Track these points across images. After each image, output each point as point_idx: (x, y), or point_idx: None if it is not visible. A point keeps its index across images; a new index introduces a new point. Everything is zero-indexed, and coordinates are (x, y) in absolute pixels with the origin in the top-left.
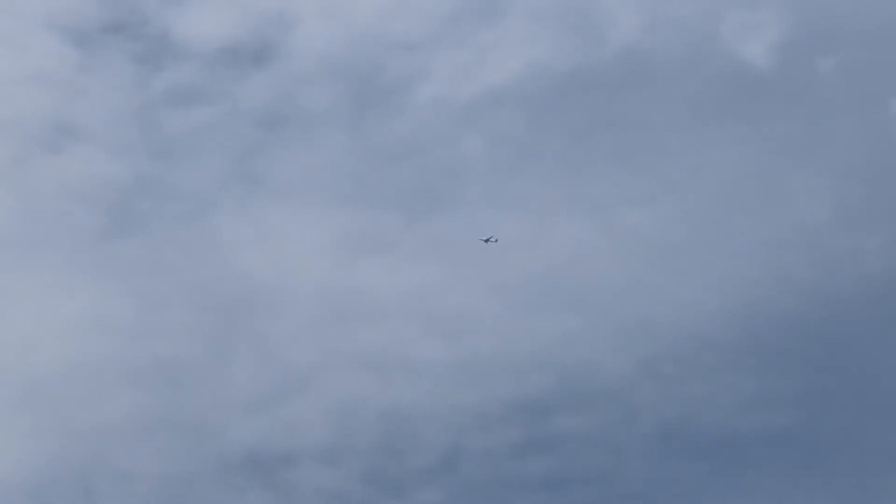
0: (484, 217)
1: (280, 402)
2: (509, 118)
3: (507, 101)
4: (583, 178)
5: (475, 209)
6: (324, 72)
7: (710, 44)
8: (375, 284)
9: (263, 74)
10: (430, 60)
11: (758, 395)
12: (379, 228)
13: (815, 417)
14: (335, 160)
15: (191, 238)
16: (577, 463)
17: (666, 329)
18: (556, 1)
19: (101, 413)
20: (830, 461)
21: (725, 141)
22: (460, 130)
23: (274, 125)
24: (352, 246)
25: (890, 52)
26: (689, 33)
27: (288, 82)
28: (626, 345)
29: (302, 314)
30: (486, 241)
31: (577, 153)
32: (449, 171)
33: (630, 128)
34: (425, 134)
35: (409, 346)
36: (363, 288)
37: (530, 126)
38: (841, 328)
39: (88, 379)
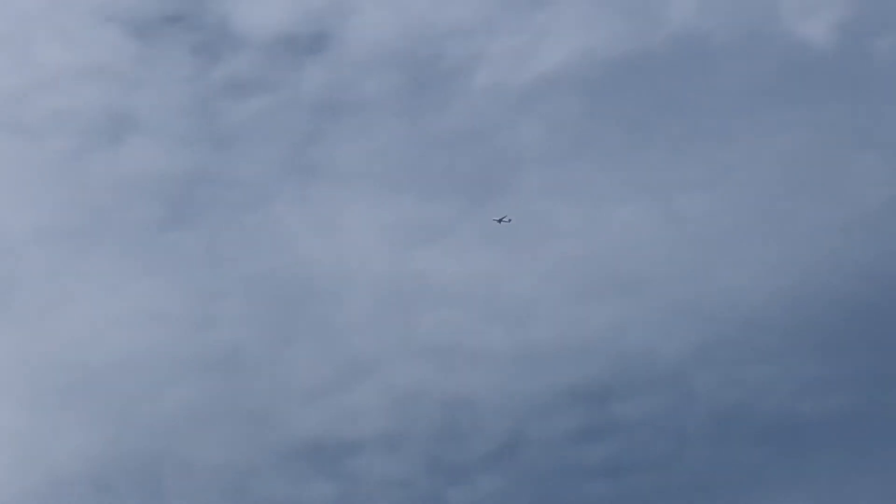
0: (541, 203)
1: (341, 390)
2: (565, 103)
3: (564, 87)
4: (639, 163)
5: (532, 195)
6: (380, 59)
7: (768, 24)
8: (434, 272)
9: (320, 63)
10: (485, 46)
11: (817, 378)
12: (437, 215)
13: (875, 400)
14: (392, 147)
15: (250, 228)
16: (637, 449)
17: (724, 313)
18: None
19: (163, 404)
20: (891, 444)
21: (784, 123)
22: (517, 116)
23: (331, 113)
24: (410, 233)
25: None
26: (747, 13)
27: (345, 70)
28: (684, 329)
29: (362, 302)
30: (500, 220)
31: (633, 138)
32: (506, 157)
33: (687, 111)
34: (482, 120)
35: (470, 333)
36: (422, 275)
37: (587, 111)
38: None
39: (150, 370)
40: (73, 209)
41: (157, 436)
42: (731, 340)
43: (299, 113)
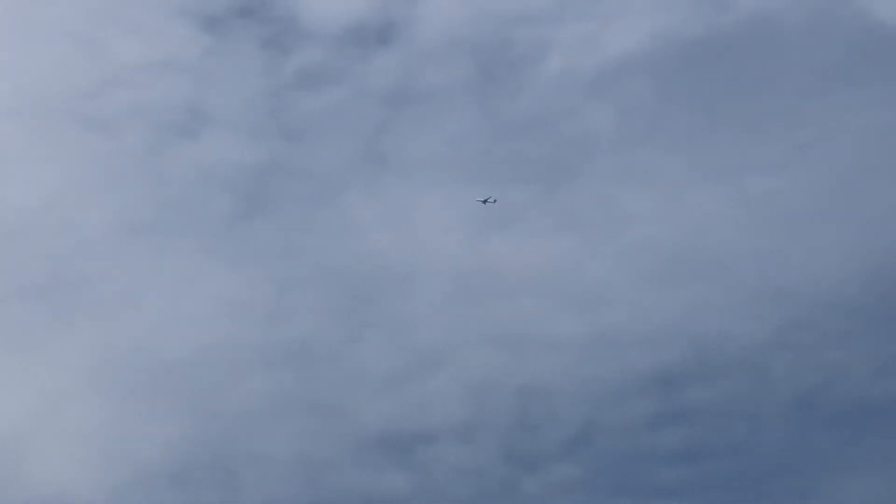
0: (613, 188)
1: (415, 380)
2: (636, 88)
3: (634, 71)
4: (712, 146)
5: (604, 181)
6: (449, 48)
7: (840, 4)
8: (507, 260)
9: (390, 53)
10: (555, 32)
11: (894, 360)
12: (508, 203)
13: None
14: (463, 136)
15: (322, 219)
16: (713, 434)
17: (800, 296)
18: None
19: (237, 396)
20: None
21: (857, 104)
22: (587, 102)
23: (402, 103)
24: (482, 222)
25: None
26: None
27: (414, 60)
28: (759, 313)
29: (434, 292)
30: (485, 201)
31: (706, 121)
32: (577, 143)
33: (760, 93)
34: (552, 107)
35: (543, 321)
36: (494, 264)
37: (658, 95)
38: None
39: (224, 363)
40: (149, 203)
41: (233, 428)
42: (807, 323)
43: (370, 104)
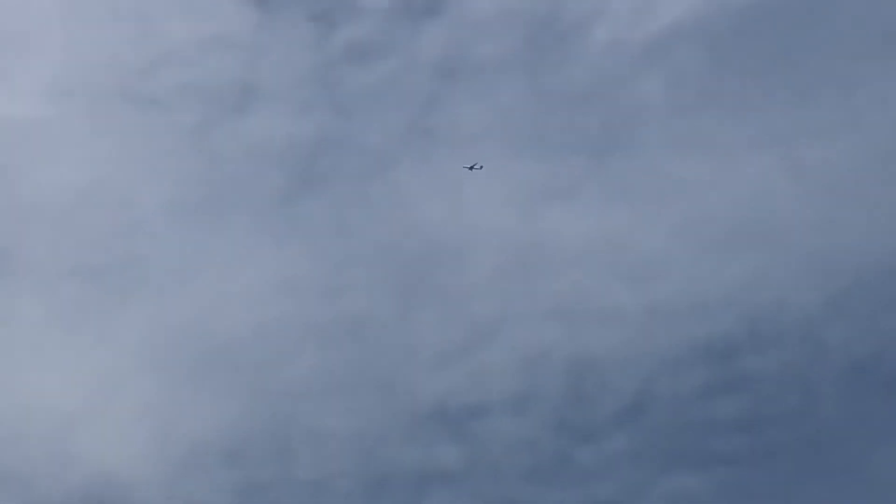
0: (665, 158)
1: (467, 354)
2: (687, 56)
3: (685, 39)
4: (765, 114)
5: (656, 150)
6: (498, 19)
7: None
8: (559, 232)
9: (438, 25)
10: (604, 1)
11: None
12: (560, 175)
13: None
14: (513, 108)
15: (373, 194)
16: (768, 403)
17: (854, 264)
18: None
19: (290, 373)
20: None
21: None
22: (638, 71)
23: (451, 76)
24: (533, 194)
25: None
26: None
27: (463, 32)
28: (814, 281)
29: (486, 265)
30: (471, 168)
31: (758, 88)
32: (628, 113)
33: (812, 60)
34: (603, 77)
35: (595, 292)
36: (546, 236)
37: (709, 63)
38: None
39: (277, 340)
40: (201, 181)
41: (288, 405)
42: (863, 291)
43: (419, 77)
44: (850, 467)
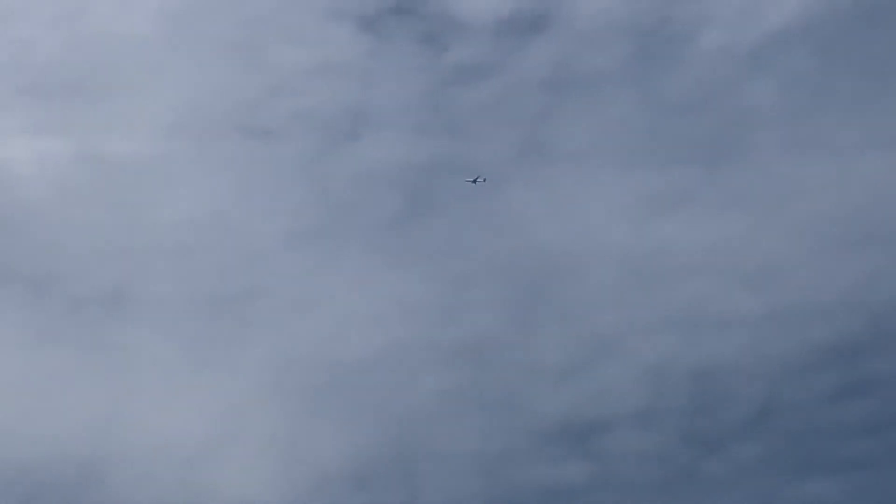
0: (780, 161)
1: (590, 368)
2: (798, 58)
3: (795, 41)
4: (879, 113)
5: (771, 154)
6: (605, 30)
7: None
8: (676, 241)
9: (545, 40)
10: (711, 7)
11: None
12: (675, 184)
13: None
14: (625, 119)
15: (488, 213)
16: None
17: None
18: None
19: (413, 396)
20: None
21: None
22: (749, 76)
23: (560, 90)
24: (649, 205)
25: None
26: None
27: (570, 45)
28: None
29: (605, 279)
30: (474, 181)
31: (871, 87)
32: (741, 118)
33: None
34: (714, 83)
35: (716, 300)
36: (664, 246)
37: (821, 64)
38: None
39: (399, 363)
40: (317, 208)
41: (412, 428)
42: None
43: (529, 93)
44: None
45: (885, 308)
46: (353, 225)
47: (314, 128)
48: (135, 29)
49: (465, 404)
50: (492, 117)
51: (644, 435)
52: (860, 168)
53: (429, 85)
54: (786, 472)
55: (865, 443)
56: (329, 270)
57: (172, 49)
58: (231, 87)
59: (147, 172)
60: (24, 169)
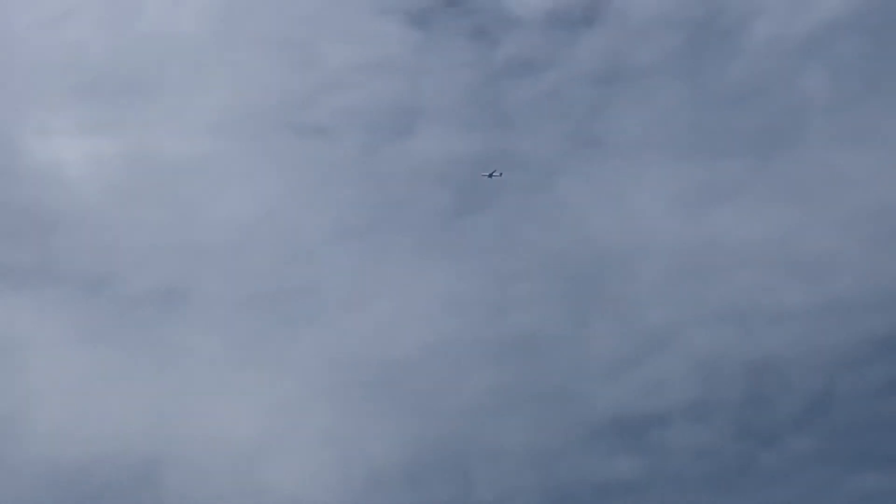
0: (832, 152)
1: (642, 362)
2: (850, 47)
3: (846, 30)
4: None
5: (822, 145)
6: (655, 23)
7: None
8: (728, 233)
9: (596, 33)
10: None
11: None
12: (726, 176)
13: None
14: (676, 111)
15: (540, 206)
16: None
17: None
18: None
19: (465, 392)
20: None
21: None
22: (800, 66)
23: (611, 83)
24: (701, 197)
25: None
26: None
27: (621, 38)
28: None
29: (657, 271)
30: (490, 175)
31: None
32: (792, 109)
33: None
34: (764, 74)
35: (769, 292)
36: (716, 238)
37: (873, 53)
38: None
39: (450, 359)
40: (368, 204)
41: (464, 423)
42: None
43: (580, 86)
44: None
45: None
46: (404, 221)
47: (364, 124)
48: (185, 28)
49: (517, 399)
50: (542, 111)
51: (697, 428)
52: None
53: (479, 79)
54: (841, 465)
55: None
56: (380, 266)
57: (223, 47)
58: (281, 85)
59: (198, 171)
60: (76, 169)
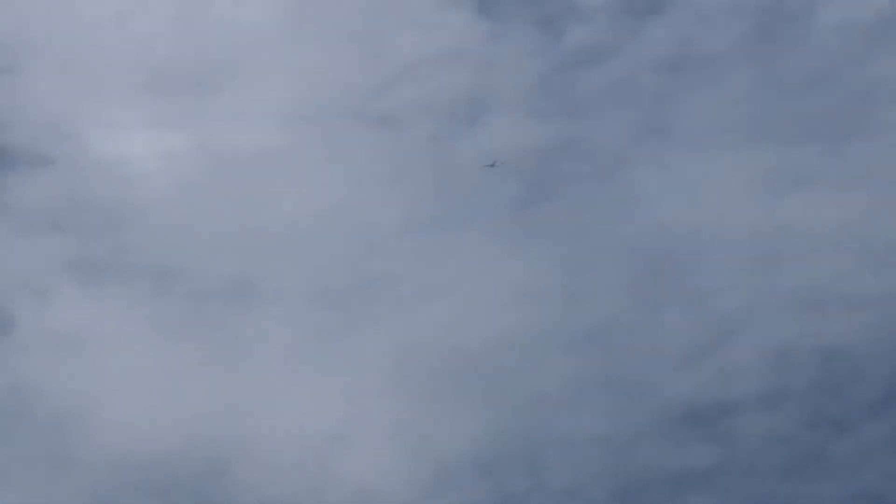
0: None
1: (714, 351)
2: None
3: None
4: None
5: (895, 132)
6: (722, 9)
7: None
8: (800, 221)
9: (663, 20)
10: None
11: None
12: (798, 163)
13: None
14: (745, 98)
15: (610, 196)
16: None
17: None
18: None
19: (537, 382)
20: None
21: None
22: (871, 50)
23: (679, 70)
24: (772, 184)
25: None
26: None
27: (688, 25)
28: None
29: (728, 259)
30: (492, 165)
31: None
32: (863, 94)
33: None
34: (835, 59)
35: (841, 279)
36: (788, 226)
37: None
38: None
39: (522, 349)
40: (438, 195)
41: (536, 413)
42: None
43: (648, 74)
44: None
45: None
46: (474, 211)
47: (434, 114)
48: (253, 21)
49: (590, 389)
50: (611, 100)
51: (770, 417)
52: None
53: (547, 68)
54: None
55: None
56: (451, 257)
57: (291, 40)
58: (350, 76)
59: (268, 164)
60: (146, 164)
